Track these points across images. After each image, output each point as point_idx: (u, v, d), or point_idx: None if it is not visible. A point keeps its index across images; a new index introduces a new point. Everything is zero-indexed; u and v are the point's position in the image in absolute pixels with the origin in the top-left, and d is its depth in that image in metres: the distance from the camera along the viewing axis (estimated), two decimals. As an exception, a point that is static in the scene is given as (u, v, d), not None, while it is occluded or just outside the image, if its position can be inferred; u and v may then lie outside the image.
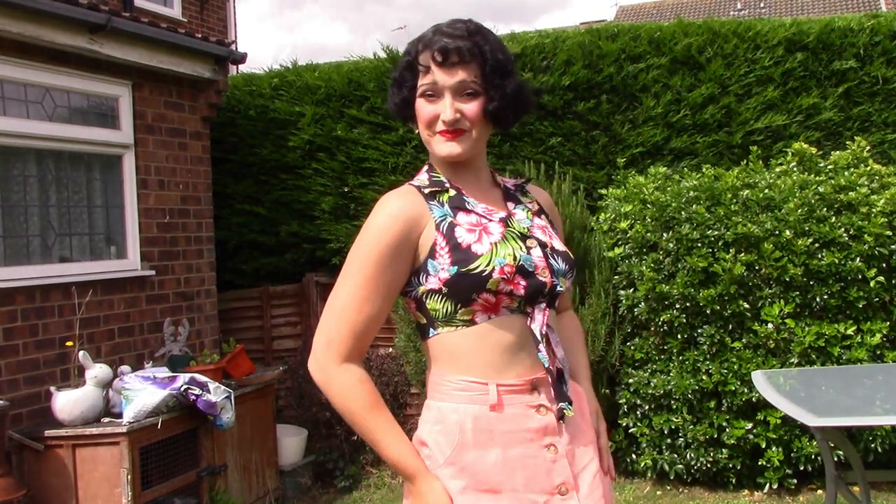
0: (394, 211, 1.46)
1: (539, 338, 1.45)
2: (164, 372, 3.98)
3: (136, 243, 4.75)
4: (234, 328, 5.83)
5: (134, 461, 3.58)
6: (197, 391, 3.79)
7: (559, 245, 1.54)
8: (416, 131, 1.55)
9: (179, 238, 5.04)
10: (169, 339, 4.74)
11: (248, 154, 5.95)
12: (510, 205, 1.57)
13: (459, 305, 1.43)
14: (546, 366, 1.45)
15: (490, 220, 1.48)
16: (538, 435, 1.44)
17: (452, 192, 1.52)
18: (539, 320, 1.45)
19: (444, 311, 1.44)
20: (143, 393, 3.69)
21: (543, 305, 1.47)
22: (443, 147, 1.47)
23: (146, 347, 4.72)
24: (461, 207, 1.49)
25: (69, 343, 4.01)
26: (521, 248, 1.45)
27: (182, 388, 3.77)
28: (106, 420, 3.71)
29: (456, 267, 1.41)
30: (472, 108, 1.46)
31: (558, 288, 1.49)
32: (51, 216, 4.37)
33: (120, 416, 3.69)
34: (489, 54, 1.46)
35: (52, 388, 3.77)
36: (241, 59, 5.36)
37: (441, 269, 1.42)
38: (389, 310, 1.51)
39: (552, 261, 1.49)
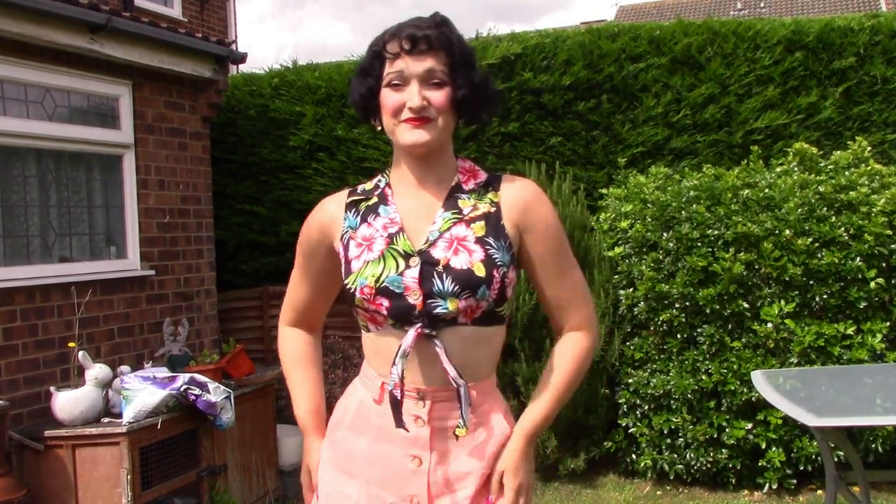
0: (310, 218, 1.64)
1: (396, 360, 1.43)
2: (163, 372, 3.98)
3: (136, 243, 4.75)
4: (233, 328, 5.83)
5: (134, 461, 3.57)
6: (197, 391, 3.79)
7: (461, 262, 1.42)
8: (378, 127, 1.54)
9: (179, 238, 5.04)
10: (169, 339, 4.74)
11: (248, 154, 5.95)
12: (440, 211, 1.50)
13: (355, 313, 1.53)
14: (389, 389, 1.45)
15: (380, 236, 1.49)
16: (406, 443, 1.47)
17: (374, 200, 1.55)
18: (409, 339, 1.43)
19: (354, 313, 1.55)
20: (142, 393, 3.69)
21: (418, 325, 1.43)
22: (409, 135, 1.45)
23: (146, 347, 4.72)
24: (366, 219, 1.53)
25: (71, 344, 4.01)
26: (395, 267, 1.44)
27: (182, 388, 3.77)
28: (106, 420, 3.71)
29: (343, 279, 1.52)
30: (438, 96, 1.45)
31: (437, 309, 1.42)
32: (51, 216, 4.37)
33: (120, 416, 3.68)
34: (456, 44, 1.46)
35: (52, 388, 3.77)
36: (241, 58, 5.36)
37: (343, 278, 1.53)
38: (330, 295, 1.70)
39: (434, 281, 1.41)
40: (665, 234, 4.25)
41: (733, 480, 4.27)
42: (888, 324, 4.06)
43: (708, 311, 4.15)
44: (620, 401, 4.42)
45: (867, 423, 3.54)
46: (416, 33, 1.43)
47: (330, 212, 1.59)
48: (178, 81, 5.06)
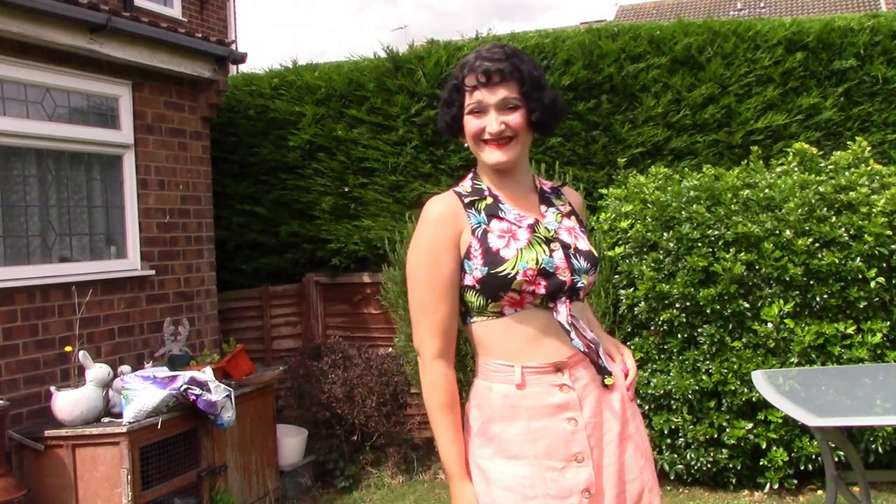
0: (436, 215, 1.72)
1: (567, 327, 1.68)
2: (164, 372, 3.98)
3: (136, 243, 4.75)
4: (234, 328, 5.83)
5: (134, 461, 3.58)
6: (197, 391, 3.79)
7: (583, 245, 1.75)
8: (466, 144, 1.79)
9: (179, 238, 5.04)
10: (169, 338, 4.74)
11: (248, 154, 5.95)
12: (543, 208, 1.79)
13: (490, 300, 1.67)
14: (581, 349, 1.68)
15: (519, 227, 1.71)
16: (559, 410, 1.67)
17: (489, 200, 1.76)
18: (563, 312, 1.68)
19: (478, 304, 1.70)
20: (143, 393, 3.69)
21: (564, 299, 1.68)
22: (493, 156, 1.71)
23: (146, 347, 4.72)
24: (495, 215, 1.73)
25: (68, 348, 4.01)
26: (544, 251, 1.68)
27: (182, 388, 3.77)
28: (106, 420, 3.71)
29: (487, 268, 1.65)
30: (514, 118, 1.69)
31: (578, 284, 1.71)
32: (51, 216, 4.37)
33: (120, 415, 3.68)
34: (526, 73, 1.69)
35: (52, 388, 3.77)
36: (241, 58, 5.36)
37: (475, 269, 1.67)
38: (458, 302, 1.74)
39: (574, 260, 1.71)
40: (665, 235, 4.25)
41: (734, 480, 4.27)
42: (888, 323, 4.06)
43: (708, 311, 4.15)
44: (620, 401, 4.41)
45: (867, 423, 3.54)
46: (489, 68, 1.67)
47: (453, 209, 1.73)
48: (178, 81, 5.06)
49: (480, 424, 1.70)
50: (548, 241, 1.71)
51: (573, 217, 1.82)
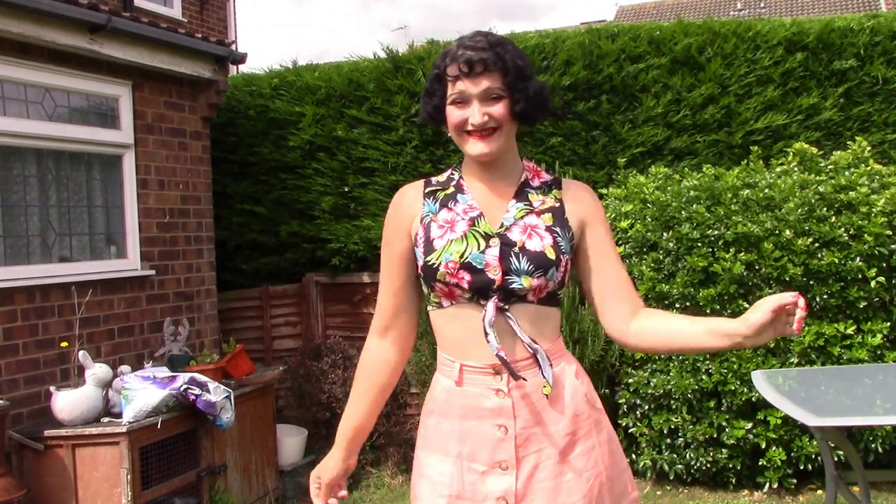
0: (393, 202, 1.77)
1: (487, 329, 1.61)
2: (164, 372, 3.98)
3: (136, 243, 4.75)
4: (234, 328, 5.83)
5: (134, 461, 3.58)
6: (197, 391, 3.79)
7: (535, 245, 1.63)
8: (449, 134, 1.73)
9: (179, 238, 5.04)
10: (169, 338, 4.75)
11: (248, 154, 5.95)
12: (513, 202, 1.70)
13: (430, 289, 1.68)
14: (496, 352, 1.60)
15: (462, 219, 1.68)
16: (491, 414, 1.64)
17: (451, 190, 1.73)
18: (489, 312, 1.61)
19: (426, 291, 1.71)
20: (143, 393, 3.69)
21: (495, 298, 1.62)
22: (475, 147, 1.65)
23: (146, 347, 4.72)
24: (446, 205, 1.71)
25: (64, 344, 4.01)
26: (477, 246, 1.63)
27: (182, 388, 3.77)
28: (106, 420, 3.71)
29: (423, 257, 1.66)
30: (497, 109, 1.63)
31: (513, 284, 1.62)
32: (51, 216, 4.37)
33: (120, 415, 3.69)
34: (510, 62, 1.62)
35: (52, 388, 3.77)
36: (241, 59, 5.36)
37: (419, 257, 1.68)
38: (414, 296, 1.76)
39: (512, 259, 1.62)
40: (665, 235, 4.25)
41: (733, 480, 4.27)
42: (888, 324, 4.06)
43: (708, 311, 4.14)
44: (620, 401, 4.42)
45: (867, 423, 3.54)
46: (472, 57, 1.61)
47: (410, 196, 1.75)
48: (178, 81, 5.06)
49: (422, 415, 1.75)
50: (487, 237, 1.64)
51: (548, 215, 1.68)
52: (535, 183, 1.74)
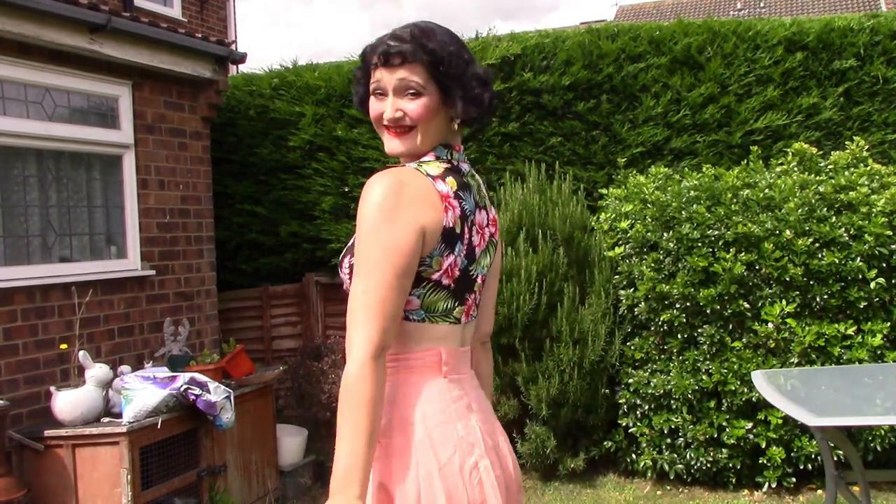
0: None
1: None
2: (164, 372, 3.97)
3: (136, 243, 4.75)
4: (234, 328, 5.83)
5: (134, 461, 3.57)
6: (197, 391, 3.79)
7: None
8: None
9: (179, 238, 5.04)
10: (169, 339, 4.74)
11: (248, 154, 5.95)
12: None
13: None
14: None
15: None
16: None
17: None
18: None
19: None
20: (143, 393, 3.69)
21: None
22: (388, 144, 1.55)
23: (146, 347, 4.72)
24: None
25: (63, 346, 4.01)
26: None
27: (182, 388, 3.77)
28: (106, 420, 3.71)
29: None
30: (414, 106, 1.49)
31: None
32: (51, 216, 4.37)
33: (120, 416, 3.68)
34: (434, 54, 1.48)
35: (52, 388, 3.77)
36: (241, 58, 5.36)
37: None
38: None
39: None
40: (665, 235, 4.25)
41: (733, 480, 4.27)
42: (888, 324, 4.06)
43: (708, 311, 4.15)
44: (620, 401, 4.42)
45: (867, 423, 3.54)
46: (389, 48, 1.48)
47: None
48: (178, 81, 5.06)
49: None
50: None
51: None
52: None
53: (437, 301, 1.50)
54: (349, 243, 1.52)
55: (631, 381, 4.35)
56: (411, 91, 1.49)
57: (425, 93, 1.49)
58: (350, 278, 1.46)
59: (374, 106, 1.53)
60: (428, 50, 1.48)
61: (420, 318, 1.50)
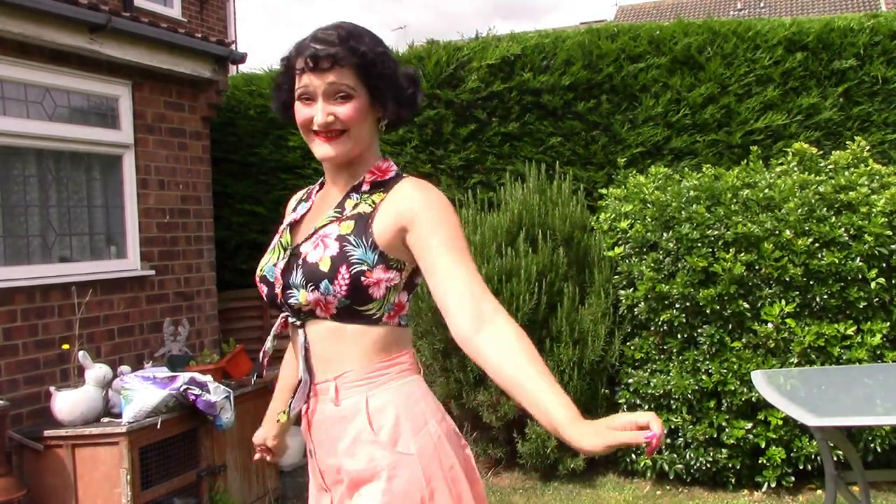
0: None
1: (271, 335, 1.64)
2: (163, 372, 3.97)
3: (136, 243, 4.75)
4: (234, 328, 5.82)
5: (134, 461, 3.57)
6: (197, 391, 3.79)
7: (314, 256, 1.47)
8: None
9: (179, 238, 5.04)
10: (169, 339, 4.74)
11: (248, 154, 5.95)
12: (332, 209, 1.56)
13: None
14: (266, 350, 1.63)
15: (282, 229, 1.63)
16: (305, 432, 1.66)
17: (304, 197, 1.71)
18: (277, 323, 1.61)
19: None
20: (142, 393, 3.69)
21: (286, 314, 1.56)
22: (319, 149, 1.51)
23: (146, 347, 4.72)
24: (292, 213, 1.67)
25: (65, 346, 4.01)
26: (277, 257, 1.56)
27: (182, 388, 3.77)
28: (106, 420, 3.71)
29: None
30: (345, 110, 1.47)
31: (290, 299, 1.50)
32: (51, 216, 4.37)
33: (119, 416, 3.68)
34: (365, 56, 1.47)
35: (52, 388, 3.77)
36: (241, 58, 5.36)
37: None
38: None
39: (292, 272, 1.49)
40: (665, 235, 4.25)
41: (733, 480, 4.27)
42: (888, 324, 4.06)
43: (708, 311, 4.15)
44: (620, 401, 4.42)
45: (867, 423, 3.54)
46: (318, 52, 1.45)
47: (287, 208, 1.73)
48: (178, 81, 5.06)
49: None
50: (285, 248, 1.56)
51: (349, 223, 1.50)
52: (367, 186, 1.55)
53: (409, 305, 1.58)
54: (338, 251, 1.46)
55: (631, 381, 4.35)
56: (341, 94, 1.47)
57: (356, 96, 1.47)
58: (348, 290, 1.44)
59: (302, 111, 1.50)
60: (358, 53, 1.46)
61: (406, 322, 1.56)
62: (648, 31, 5.17)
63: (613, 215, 4.52)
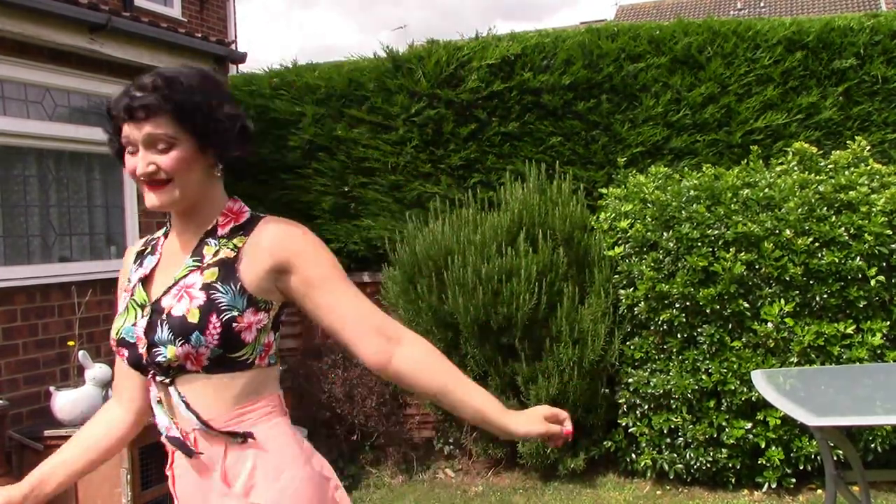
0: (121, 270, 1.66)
1: (154, 401, 1.55)
2: (164, 372, 3.97)
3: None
4: (234, 328, 5.82)
5: (134, 461, 3.58)
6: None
7: (181, 309, 1.42)
8: None
9: (179, 238, 5.04)
10: (169, 338, 4.74)
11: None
12: (188, 258, 1.51)
13: None
14: (165, 425, 1.55)
15: (131, 288, 1.56)
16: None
17: (149, 250, 1.62)
18: (153, 391, 1.53)
19: None
20: (142, 393, 3.69)
21: (152, 373, 1.49)
22: (148, 199, 1.48)
23: (146, 347, 4.72)
24: (138, 268, 1.59)
25: (71, 342, 4.01)
26: (135, 317, 1.50)
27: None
28: (106, 420, 3.71)
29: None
30: (165, 159, 1.44)
31: (158, 357, 1.44)
32: (51, 216, 4.37)
33: (120, 415, 3.68)
34: (180, 105, 1.43)
35: (52, 388, 3.77)
36: (241, 58, 5.36)
37: None
38: None
39: (157, 329, 1.43)
40: (665, 234, 4.25)
41: (733, 480, 4.27)
42: (888, 323, 4.06)
43: (708, 310, 4.15)
44: (620, 400, 4.42)
45: (867, 423, 3.54)
46: (130, 103, 1.44)
47: (127, 261, 1.64)
48: (178, 81, 5.06)
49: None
50: (142, 306, 1.50)
51: (213, 270, 1.46)
52: (224, 231, 1.53)
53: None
54: (206, 300, 1.42)
55: (630, 380, 4.35)
56: (161, 145, 1.43)
57: (178, 143, 1.44)
58: (220, 339, 1.41)
59: (129, 161, 1.48)
60: (172, 100, 1.42)
61: (274, 360, 1.54)
62: (648, 31, 5.17)
63: (613, 215, 4.52)
